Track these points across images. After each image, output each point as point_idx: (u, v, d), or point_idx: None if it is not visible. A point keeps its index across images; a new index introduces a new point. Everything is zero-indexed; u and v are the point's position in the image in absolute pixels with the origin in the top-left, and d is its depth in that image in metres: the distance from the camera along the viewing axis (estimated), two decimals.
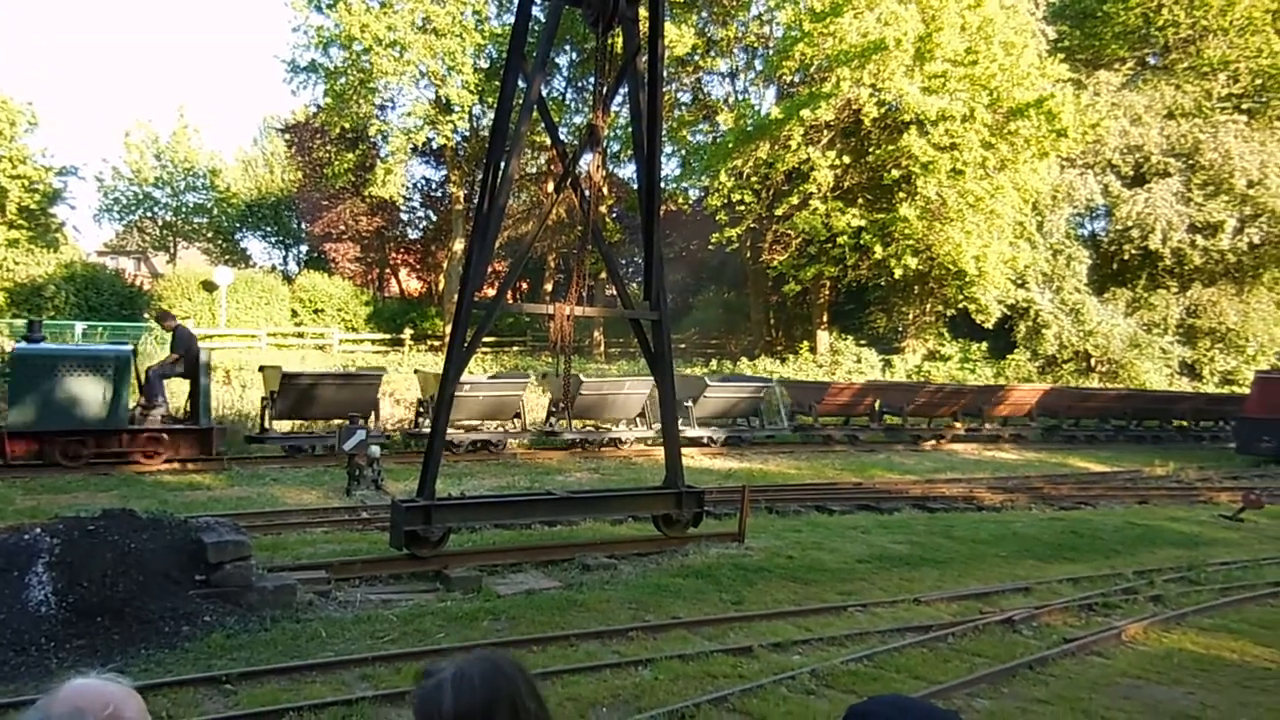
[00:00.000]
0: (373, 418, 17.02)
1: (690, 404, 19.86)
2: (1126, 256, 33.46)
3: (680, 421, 19.44)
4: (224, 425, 16.09)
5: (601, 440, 19.47)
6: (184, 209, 39.57)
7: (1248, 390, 26.71)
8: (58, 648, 6.18)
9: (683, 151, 34.18)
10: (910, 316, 34.11)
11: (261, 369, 17.65)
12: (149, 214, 40.03)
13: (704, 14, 32.50)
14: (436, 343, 32.73)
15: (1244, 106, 33.57)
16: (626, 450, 19.37)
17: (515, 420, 18.61)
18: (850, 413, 23.38)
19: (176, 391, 15.81)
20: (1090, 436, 26.33)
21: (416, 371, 20.07)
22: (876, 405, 23.44)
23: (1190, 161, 32.30)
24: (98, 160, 68.36)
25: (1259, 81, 33.48)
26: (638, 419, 19.99)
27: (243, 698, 5.69)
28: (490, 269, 21.10)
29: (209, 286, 31.08)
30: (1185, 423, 28.55)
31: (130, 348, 15.26)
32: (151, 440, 14.65)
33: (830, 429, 22.76)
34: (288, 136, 39.81)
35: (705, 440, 20.47)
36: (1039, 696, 6.31)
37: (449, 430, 15.67)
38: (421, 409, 18.05)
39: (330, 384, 16.99)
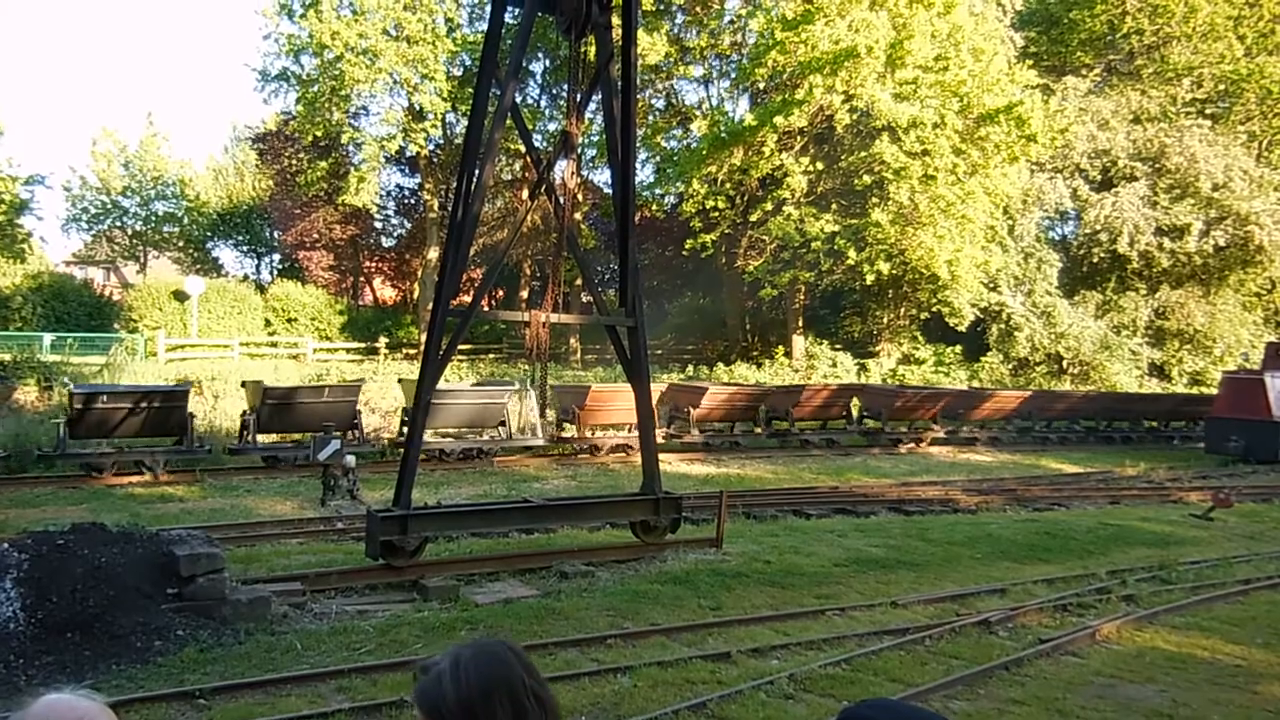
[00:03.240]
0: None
1: None
2: (1096, 259, 33.87)
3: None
4: None
5: (294, 458, 16.42)
6: (154, 218, 39.12)
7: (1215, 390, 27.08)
8: (26, 665, 6.08)
9: (657, 158, 34.25)
10: (884, 321, 34.34)
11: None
12: (118, 223, 39.55)
13: (677, 21, 32.61)
14: (412, 351, 32.55)
15: (1208, 111, 34.18)
16: (605, 457, 19.26)
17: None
18: (630, 420, 20.21)
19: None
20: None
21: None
22: (660, 411, 20.29)
23: (1156, 166, 32.80)
24: (65, 169, 67.32)
25: (1222, 87, 34.10)
26: (351, 430, 17.55)
27: (216, 713, 5.62)
28: (465, 276, 20.92)
29: (180, 296, 30.76)
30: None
31: None
32: None
33: (599, 438, 19.92)
34: (259, 146, 39.52)
35: (437, 453, 17.81)
36: (1015, 697, 6.36)
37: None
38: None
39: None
